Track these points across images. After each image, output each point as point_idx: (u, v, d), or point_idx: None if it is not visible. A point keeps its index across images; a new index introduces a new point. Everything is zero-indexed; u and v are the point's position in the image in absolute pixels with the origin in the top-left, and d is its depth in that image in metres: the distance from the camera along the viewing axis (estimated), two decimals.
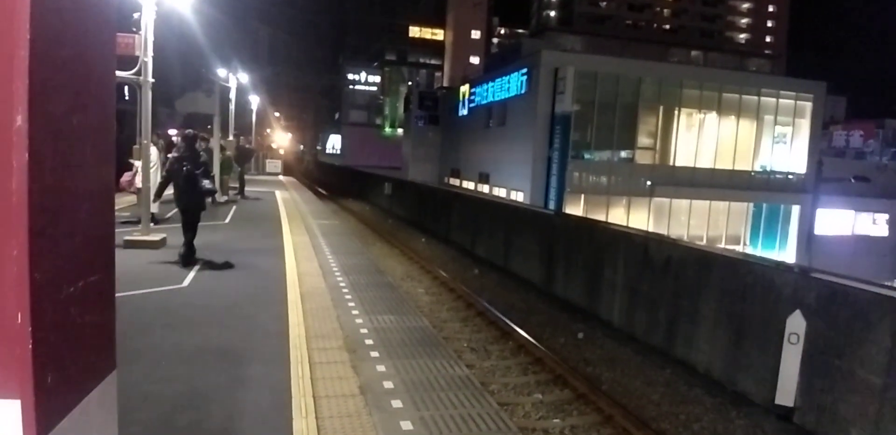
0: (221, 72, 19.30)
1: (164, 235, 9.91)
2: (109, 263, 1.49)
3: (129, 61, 9.36)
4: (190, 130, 9.12)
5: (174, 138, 17.75)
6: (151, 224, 10.32)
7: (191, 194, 8.57)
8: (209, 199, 10.64)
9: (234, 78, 21.49)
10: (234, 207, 16.30)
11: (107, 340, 1.50)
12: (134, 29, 9.32)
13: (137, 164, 10.66)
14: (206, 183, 8.69)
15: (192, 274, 8.07)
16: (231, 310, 6.63)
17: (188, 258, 8.58)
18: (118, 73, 8.96)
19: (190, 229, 8.72)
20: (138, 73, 9.41)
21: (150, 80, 9.55)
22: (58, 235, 1.30)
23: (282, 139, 52.56)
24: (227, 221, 13.83)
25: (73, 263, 1.37)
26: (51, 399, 1.28)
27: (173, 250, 8.82)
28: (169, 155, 15.08)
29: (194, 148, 8.90)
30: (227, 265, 8.80)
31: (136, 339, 5.33)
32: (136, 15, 9.25)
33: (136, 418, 3.92)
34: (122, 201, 14.16)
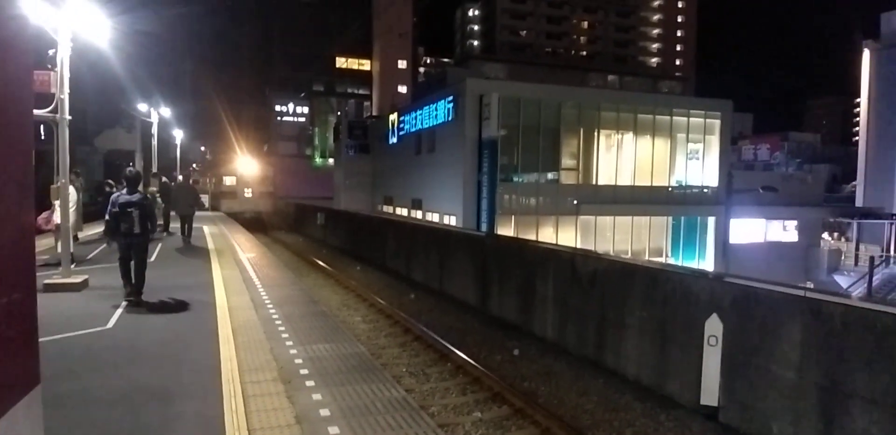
0: (143, 107, 18.85)
1: (85, 277, 9.51)
2: (30, 283, 1.55)
3: (46, 99, 9.05)
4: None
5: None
6: (72, 265, 9.90)
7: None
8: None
9: (156, 112, 20.98)
10: (160, 244, 15.78)
11: (30, 355, 1.55)
12: (49, 65, 9.06)
13: (56, 203, 10.27)
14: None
15: (116, 315, 7.80)
16: (159, 349, 6.45)
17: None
18: (34, 111, 8.66)
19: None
20: (55, 111, 9.10)
21: (68, 117, 9.24)
22: None
23: (250, 169, 45.96)
24: (152, 258, 13.37)
25: None
26: None
27: (96, 292, 8.52)
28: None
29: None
30: (153, 304, 8.54)
31: (60, 384, 5.13)
32: (51, 51, 9.00)
33: None
34: (40, 244, 13.46)
